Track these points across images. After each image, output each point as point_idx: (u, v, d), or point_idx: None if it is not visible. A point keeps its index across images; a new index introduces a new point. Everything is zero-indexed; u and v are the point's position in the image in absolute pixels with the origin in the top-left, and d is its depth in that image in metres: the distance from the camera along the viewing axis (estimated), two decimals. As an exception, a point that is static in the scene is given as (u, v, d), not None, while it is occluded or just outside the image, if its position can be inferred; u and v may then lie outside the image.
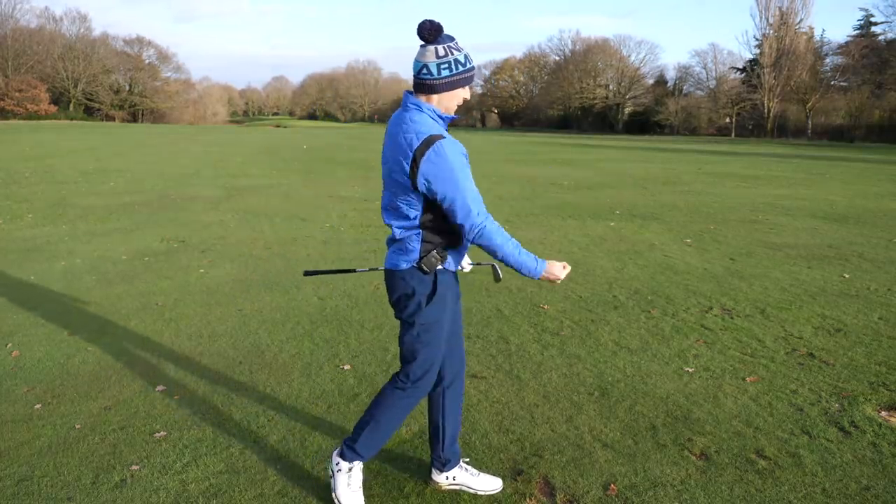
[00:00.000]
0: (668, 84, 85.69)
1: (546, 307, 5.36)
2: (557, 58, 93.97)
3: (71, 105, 77.88)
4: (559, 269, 2.44)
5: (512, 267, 2.40)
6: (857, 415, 3.47)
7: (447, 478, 2.75)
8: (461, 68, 2.35)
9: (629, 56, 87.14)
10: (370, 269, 3.07)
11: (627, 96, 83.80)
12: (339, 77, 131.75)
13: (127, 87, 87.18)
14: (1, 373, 3.96)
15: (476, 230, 2.32)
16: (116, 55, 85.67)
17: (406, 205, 2.37)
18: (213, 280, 6.17)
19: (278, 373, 3.99)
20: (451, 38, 2.35)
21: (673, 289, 5.99)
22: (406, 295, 2.47)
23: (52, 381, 3.83)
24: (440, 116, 2.40)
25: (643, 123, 78.24)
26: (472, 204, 2.31)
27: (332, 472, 2.62)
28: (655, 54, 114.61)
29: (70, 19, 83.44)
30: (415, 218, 2.38)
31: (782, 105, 65.85)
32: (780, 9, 68.21)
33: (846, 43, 66.06)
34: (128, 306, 5.31)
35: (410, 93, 2.41)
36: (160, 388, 3.76)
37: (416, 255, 2.42)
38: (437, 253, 2.43)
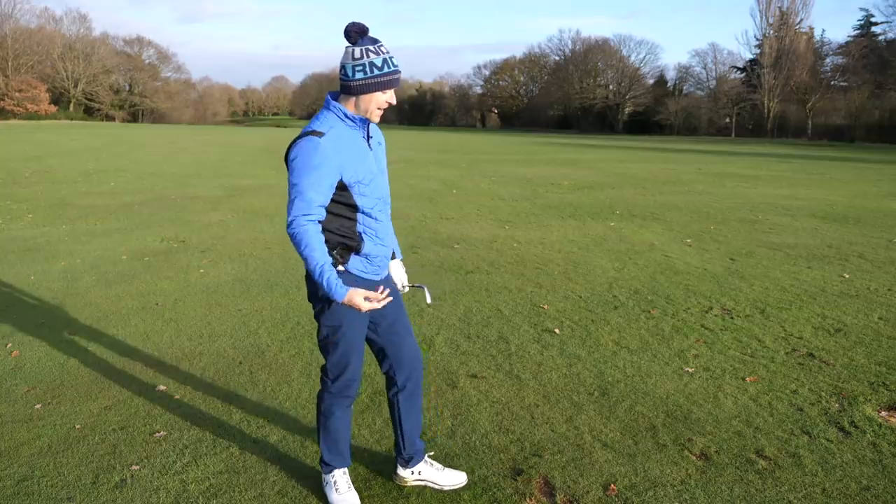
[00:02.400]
0: (668, 84, 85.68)
1: (546, 307, 5.36)
2: (557, 58, 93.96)
3: (71, 105, 77.91)
4: (360, 299, 2.31)
5: (318, 283, 2.31)
6: (857, 415, 3.47)
7: (412, 472, 2.78)
8: (375, 72, 2.31)
9: (629, 56, 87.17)
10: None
11: (627, 96, 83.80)
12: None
13: (127, 87, 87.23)
14: (1, 373, 3.96)
15: (289, 230, 2.31)
16: (116, 55, 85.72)
17: None
18: (213, 280, 6.17)
19: (278, 373, 3.99)
20: (374, 41, 2.34)
21: (673, 289, 5.99)
22: (312, 293, 2.50)
23: (52, 381, 3.83)
24: (348, 117, 2.37)
25: (643, 123, 78.23)
26: (295, 202, 2.29)
27: (325, 489, 2.72)
28: (655, 54, 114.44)
29: (70, 19, 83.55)
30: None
31: (782, 105, 65.85)
32: (780, 9, 68.28)
33: (846, 43, 66.09)
34: (128, 306, 5.31)
35: (333, 92, 2.44)
36: (160, 388, 3.76)
37: None
38: (337, 253, 2.41)
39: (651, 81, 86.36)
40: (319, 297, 2.46)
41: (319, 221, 2.35)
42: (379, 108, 2.39)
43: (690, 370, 4.07)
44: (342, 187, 2.36)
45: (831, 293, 5.90)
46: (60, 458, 2.99)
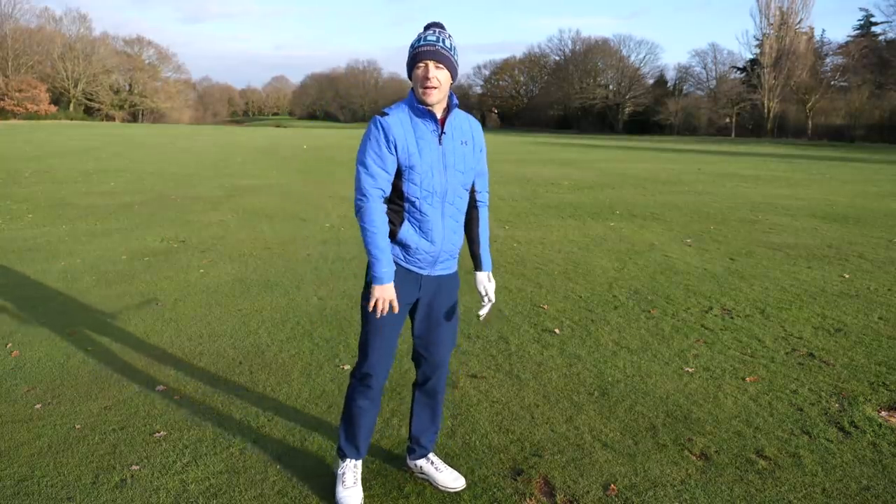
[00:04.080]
0: (668, 84, 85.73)
1: (546, 307, 5.36)
2: (557, 58, 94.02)
3: (71, 105, 77.91)
4: (381, 293, 2.43)
5: (369, 256, 2.44)
6: (857, 415, 3.47)
7: (415, 465, 2.85)
8: (410, 52, 2.41)
9: (629, 56, 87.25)
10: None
11: (627, 96, 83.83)
12: (339, 77, 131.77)
13: (127, 87, 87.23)
14: (1, 373, 3.96)
15: (355, 204, 2.45)
16: (116, 55, 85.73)
17: None
18: (213, 280, 6.17)
19: (278, 373, 3.99)
20: (430, 26, 2.43)
21: (673, 289, 5.99)
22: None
23: (52, 381, 3.83)
24: (418, 103, 2.43)
25: (643, 123, 78.26)
26: (360, 177, 2.42)
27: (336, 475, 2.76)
28: (655, 54, 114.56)
29: (70, 19, 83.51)
30: None
31: (782, 105, 65.87)
32: (780, 9, 68.28)
33: (846, 43, 66.12)
34: (128, 306, 5.31)
35: None
36: (160, 388, 3.76)
37: None
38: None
39: (651, 81, 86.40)
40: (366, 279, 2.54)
41: (385, 199, 2.45)
42: (423, 87, 2.38)
43: (690, 370, 4.07)
44: (399, 172, 2.44)
45: (831, 293, 5.90)
46: (60, 458, 2.99)
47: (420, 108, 2.42)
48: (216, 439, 3.18)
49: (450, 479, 2.77)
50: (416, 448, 2.82)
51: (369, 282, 2.50)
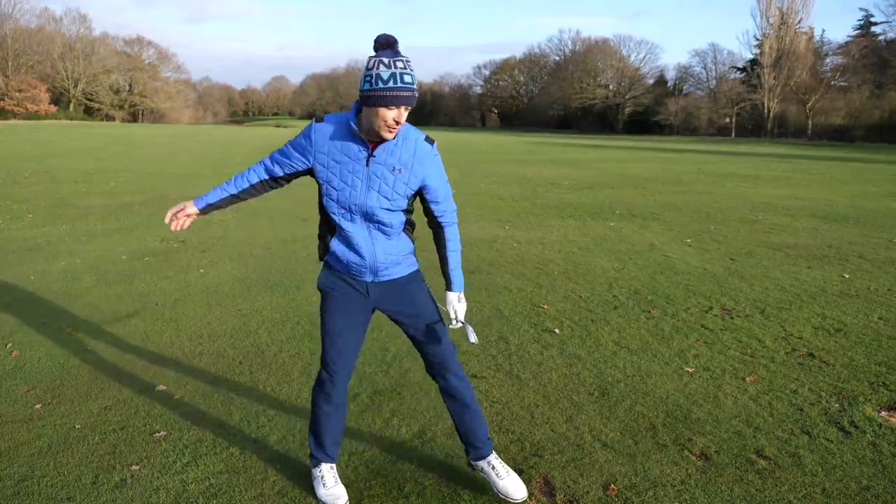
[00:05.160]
0: (668, 84, 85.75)
1: (546, 307, 5.36)
2: (557, 58, 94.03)
3: (71, 105, 77.92)
4: (176, 205, 2.63)
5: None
6: (857, 415, 3.47)
7: (476, 466, 2.80)
8: (380, 85, 2.20)
9: (629, 56, 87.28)
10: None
11: (627, 96, 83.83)
12: (339, 77, 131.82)
13: (127, 87, 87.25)
14: (1, 373, 3.96)
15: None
16: (116, 55, 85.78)
17: None
18: (213, 280, 6.17)
19: (278, 373, 3.99)
20: (394, 54, 2.22)
21: (673, 289, 5.99)
22: None
23: (52, 381, 3.83)
24: (353, 127, 2.35)
25: (643, 123, 78.28)
26: (271, 153, 2.59)
27: (313, 483, 2.75)
28: (655, 54, 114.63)
29: (70, 19, 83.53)
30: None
31: (782, 105, 65.88)
32: (780, 9, 68.28)
33: (846, 43, 66.15)
34: (128, 306, 5.31)
35: None
36: (160, 388, 3.76)
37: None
38: (319, 244, 2.63)
39: (651, 81, 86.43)
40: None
41: (267, 174, 2.61)
42: (388, 128, 2.28)
43: (690, 370, 4.07)
44: (319, 184, 2.50)
45: (831, 293, 5.90)
46: (60, 458, 2.99)
47: (356, 132, 2.36)
48: (216, 439, 3.18)
49: (510, 487, 2.67)
50: (470, 449, 2.77)
51: (317, 285, 2.67)
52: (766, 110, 66.75)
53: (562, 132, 76.97)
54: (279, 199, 12.07)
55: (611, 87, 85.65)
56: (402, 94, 2.22)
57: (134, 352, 4.32)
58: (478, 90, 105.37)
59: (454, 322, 2.63)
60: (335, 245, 2.54)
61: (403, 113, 2.28)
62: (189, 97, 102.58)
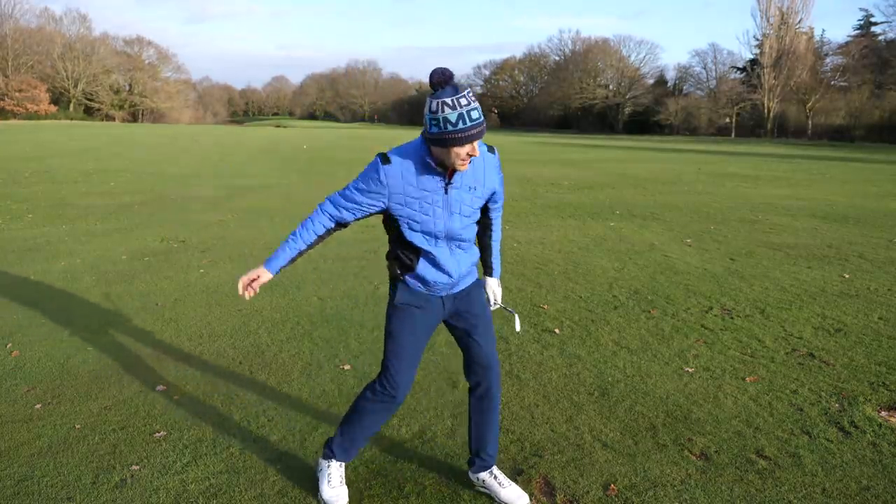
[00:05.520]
0: (668, 84, 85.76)
1: (546, 307, 5.36)
2: (557, 58, 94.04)
3: (71, 105, 77.94)
4: (250, 273, 2.48)
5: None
6: (857, 415, 3.47)
7: (477, 479, 2.77)
8: (449, 128, 2.20)
9: (629, 56, 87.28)
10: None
11: (627, 96, 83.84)
12: (339, 77, 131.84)
13: (127, 87, 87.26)
14: (1, 373, 3.96)
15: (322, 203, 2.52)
16: (116, 55, 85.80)
17: None
18: (213, 280, 6.17)
19: (278, 373, 3.99)
20: (455, 92, 2.20)
21: (673, 289, 5.99)
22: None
23: (52, 381, 3.83)
24: (428, 159, 2.35)
25: (643, 123, 78.27)
26: (334, 196, 2.48)
27: (318, 474, 2.75)
28: (655, 54, 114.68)
29: (70, 19, 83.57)
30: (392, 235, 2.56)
31: (782, 105, 65.88)
32: (780, 9, 68.27)
33: (846, 43, 66.15)
34: (128, 306, 5.31)
35: None
36: (160, 388, 3.76)
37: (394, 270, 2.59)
38: (395, 263, 2.54)
39: (651, 81, 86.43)
40: (389, 292, 2.60)
41: (334, 222, 2.50)
42: (461, 162, 2.30)
43: (690, 370, 4.07)
44: (392, 218, 2.44)
45: (831, 293, 5.90)
46: (60, 458, 2.99)
47: (432, 166, 2.35)
48: (216, 439, 3.18)
49: (514, 496, 2.68)
50: (476, 460, 2.74)
51: (394, 302, 2.56)
52: (766, 110, 66.74)
53: (562, 132, 76.99)
54: (279, 200, 12.07)
55: (611, 87, 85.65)
56: (472, 132, 2.22)
57: (134, 352, 4.32)
58: (478, 90, 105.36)
59: (493, 305, 2.77)
60: (422, 268, 2.48)
61: (476, 145, 2.29)
62: (189, 97, 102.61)
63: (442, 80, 2.21)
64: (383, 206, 2.40)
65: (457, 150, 2.26)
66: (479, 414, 2.72)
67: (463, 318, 2.64)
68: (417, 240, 2.45)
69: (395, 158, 2.36)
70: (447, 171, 2.38)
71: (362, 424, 2.67)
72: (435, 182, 2.39)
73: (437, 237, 2.46)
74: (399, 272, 2.53)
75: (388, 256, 2.57)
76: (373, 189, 2.37)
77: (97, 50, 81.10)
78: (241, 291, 2.46)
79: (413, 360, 2.59)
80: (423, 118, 2.30)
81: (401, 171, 2.35)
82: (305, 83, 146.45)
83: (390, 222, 2.48)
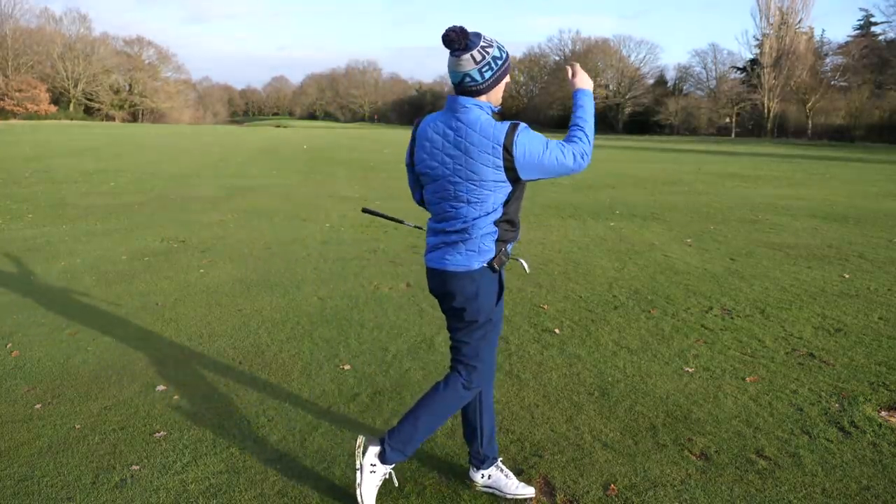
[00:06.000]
0: (668, 84, 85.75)
1: (546, 307, 5.36)
2: (557, 58, 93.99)
3: (71, 105, 77.92)
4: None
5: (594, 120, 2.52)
6: (857, 415, 3.47)
7: (482, 476, 2.74)
8: (500, 63, 2.37)
9: (629, 56, 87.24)
10: (415, 227, 3.04)
11: (627, 96, 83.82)
12: (339, 77, 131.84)
13: (127, 87, 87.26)
14: (1, 373, 3.96)
15: (587, 160, 2.42)
16: (116, 55, 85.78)
17: (484, 200, 2.37)
18: (213, 280, 6.17)
19: (278, 373, 3.99)
20: (479, 36, 2.34)
21: (673, 289, 5.99)
22: (473, 296, 2.48)
23: (52, 381, 3.83)
24: (492, 110, 2.43)
25: (643, 123, 78.26)
26: (570, 149, 2.39)
27: (362, 468, 2.55)
28: (655, 54, 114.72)
29: (70, 19, 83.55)
30: (494, 212, 2.39)
31: (782, 105, 65.86)
32: (780, 9, 68.25)
33: (846, 43, 66.13)
34: (128, 306, 5.31)
35: (456, 97, 2.39)
36: (160, 388, 3.76)
37: (490, 255, 2.46)
38: (505, 250, 2.50)
39: (651, 81, 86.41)
40: (479, 297, 2.47)
41: None
42: (503, 92, 2.46)
43: (690, 370, 4.07)
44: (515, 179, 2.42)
45: (831, 293, 5.90)
46: (60, 458, 2.99)
47: (496, 110, 2.45)
48: (216, 439, 3.18)
49: (521, 484, 2.72)
50: (486, 458, 2.74)
51: (502, 294, 2.55)
52: (766, 110, 66.73)
53: (562, 132, 76.75)
54: (279, 200, 12.07)
55: (611, 87, 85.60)
56: (509, 57, 2.44)
57: (134, 352, 4.32)
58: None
59: (527, 269, 2.80)
60: (511, 244, 2.53)
61: None
62: (189, 97, 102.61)
63: (464, 35, 2.30)
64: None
65: (505, 80, 2.42)
66: (489, 408, 2.72)
67: None
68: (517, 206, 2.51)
69: (494, 113, 2.43)
70: None
71: (443, 420, 2.61)
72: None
73: None
74: (500, 262, 2.48)
75: (497, 245, 2.46)
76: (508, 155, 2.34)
77: (97, 50, 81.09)
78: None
79: None
80: (467, 77, 2.33)
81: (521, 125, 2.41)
82: (305, 83, 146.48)
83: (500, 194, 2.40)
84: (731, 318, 5.15)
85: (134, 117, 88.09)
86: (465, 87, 2.36)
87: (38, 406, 3.51)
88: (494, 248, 2.45)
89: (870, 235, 8.99)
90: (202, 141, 35.98)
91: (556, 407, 3.54)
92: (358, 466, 2.56)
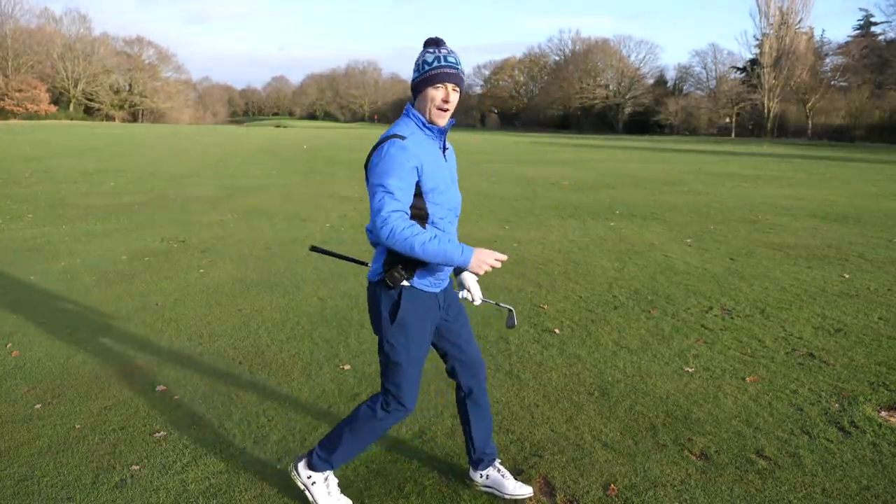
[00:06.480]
0: (668, 84, 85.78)
1: (546, 307, 5.36)
2: (557, 58, 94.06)
3: (71, 105, 77.92)
4: (488, 255, 2.23)
5: (436, 260, 2.21)
6: (857, 415, 3.47)
7: (480, 476, 2.75)
8: (426, 68, 2.30)
9: (629, 56, 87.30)
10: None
11: (627, 96, 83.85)
12: (339, 77, 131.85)
13: (127, 87, 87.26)
14: (1, 373, 3.96)
15: (384, 229, 2.19)
16: (116, 55, 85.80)
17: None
18: (213, 280, 6.17)
19: (278, 373, 3.99)
20: (438, 45, 2.34)
21: (673, 289, 5.99)
22: (374, 308, 2.44)
23: (52, 381, 3.83)
24: (426, 126, 2.37)
25: (643, 123, 78.28)
26: (386, 200, 2.20)
27: (305, 486, 2.60)
28: (655, 54, 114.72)
29: (70, 19, 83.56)
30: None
31: (782, 105, 65.87)
32: (780, 9, 68.25)
33: (846, 43, 66.15)
34: (128, 306, 5.31)
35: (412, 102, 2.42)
36: (160, 388, 3.76)
37: (379, 267, 2.41)
38: (402, 268, 2.35)
39: (651, 81, 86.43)
40: (379, 312, 2.40)
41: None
42: (437, 108, 2.33)
43: (690, 370, 4.07)
44: (418, 194, 2.31)
45: (831, 293, 5.90)
46: (60, 458, 2.99)
47: (430, 128, 2.37)
48: (216, 439, 3.18)
49: (518, 484, 2.72)
50: (484, 457, 2.73)
51: (399, 320, 2.38)
52: (766, 110, 66.73)
53: (562, 132, 76.96)
54: (279, 200, 12.07)
55: (611, 87, 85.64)
56: (446, 70, 2.30)
57: (134, 352, 4.32)
58: (478, 90, 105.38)
59: (476, 301, 2.67)
60: (424, 271, 2.40)
61: (452, 94, 2.33)
62: (189, 97, 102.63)
63: (433, 41, 2.34)
64: (416, 180, 2.29)
65: (431, 92, 2.31)
66: (479, 415, 2.70)
67: (450, 320, 2.58)
68: (438, 213, 2.37)
69: (405, 134, 2.32)
70: (441, 139, 2.42)
71: (372, 438, 2.58)
72: (437, 149, 2.41)
73: (451, 210, 2.43)
74: (397, 280, 2.35)
75: (387, 258, 2.38)
76: (407, 168, 2.24)
77: (97, 50, 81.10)
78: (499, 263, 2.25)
79: (421, 369, 2.52)
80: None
81: (416, 142, 2.33)
82: (305, 83, 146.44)
83: (412, 207, 2.31)
84: (731, 318, 5.15)
85: (134, 117, 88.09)
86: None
87: (38, 406, 3.51)
88: (382, 261, 2.39)
89: (870, 235, 8.99)
90: (202, 141, 36.00)
91: (556, 407, 3.54)
92: (302, 488, 2.62)
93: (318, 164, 21.39)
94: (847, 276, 6.58)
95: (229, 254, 7.33)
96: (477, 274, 2.20)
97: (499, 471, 2.75)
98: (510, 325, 2.77)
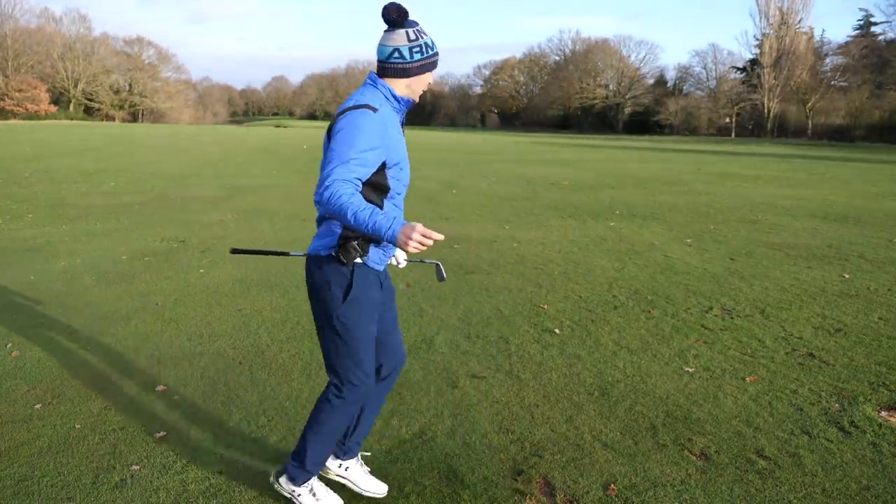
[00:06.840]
0: (668, 84, 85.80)
1: (546, 307, 5.36)
2: (557, 58, 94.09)
3: (71, 105, 77.94)
4: (415, 233, 1.99)
5: (365, 231, 2.05)
6: (857, 415, 3.47)
7: (339, 465, 2.72)
8: (430, 52, 2.35)
9: (629, 56, 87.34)
10: (304, 255, 2.49)
11: (627, 96, 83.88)
12: (339, 77, 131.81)
13: (127, 87, 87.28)
14: (1, 373, 3.96)
15: (324, 191, 2.08)
16: (116, 55, 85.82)
17: None
18: (213, 280, 6.17)
19: (278, 373, 3.99)
20: (417, 23, 2.34)
21: (673, 289, 5.99)
22: (321, 286, 2.34)
23: (52, 381, 3.83)
24: (395, 98, 2.34)
25: (643, 123, 78.31)
26: (335, 166, 2.11)
27: (291, 496, 2.58)
28: (655, 54, 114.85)
29: (70, 19, 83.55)
30: None
31: (782, 105, 65.90)
32: (780, 9, 68.29)
33: (846, 43, 66.18)
34: (128, 306, 5.31)
35: (371, 73, 2.38)
36: (160, 388, 3.76)
37: (334, 241, 2.30)
38: (358, 244, 2.28)
39: (651, 81, 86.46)
40: (328, 290, 2.31)
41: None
42: (423, 90, 2.42)
43: (690, 370, 4.07)
44: (381, 168, 2.25)
45: (831, 293, 5.90)
46: (60, 458, 2.99)
47: (402, 101, 2.35)
48: (216, 439, 3.18)
49: (376, 482, 2.72)
50: (354, 446, 2.71)
51: (353, 296, 2.30)
52: (766, 110, 66.76)
53: (562, 132, 76.97)
54: (279, 200, 12.07)
55: (611, 87, 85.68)
56: (437, 58, 2.41)
57: (134, 352, 4.32)
58: (478, 90, 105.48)
59: (402, 263, 2.67)
60: (376, 245, 2.37)
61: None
62: (189, 97, 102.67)
63: (404, 13, 2.28)
64: (384, 157, 2.24)
65: (428, 76, 2.39)
66: (378, 400, 2.67)
67: (385, 304, 2.54)
68: (397, 188, 2.36)
69: (375, 105, 2.25)
70: (403, 112, 2.41)
71: (332, 434, 2.51)
72: (399, 123, 2.40)
73: (406, 185, 2.43)
74: (353, 255, 2.27)
75: (344, 231, 2.28)
76: (376, 141, 2.19)
77: (97, 50, 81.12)
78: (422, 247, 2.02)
79: (374, 346, 2.45)
80: (395, 53, 2.29)
81: (386, 115, 2.29)
82: (305, 83, 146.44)
83: (373, 178, 2.23)
84: (731, 318, 5.15)
85: (134, 117, 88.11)
86: (390, 63, 2.30)
87: (38, 406, 3.51)
88: (339, 235, 2.29)
89: (870, 235, 8.99)
90: (202, 141, 36.00)
91: (556, 407, 3.54)
92: (288, 496, 2.60)
93: (318, 164, 21.36)
94: (847, 276, 6.59)
95: (229, 254, 7.32)
96: (405, 251, 2.02)
97: (361, 465, 2.75)
98: (441, 279, 2.67)
